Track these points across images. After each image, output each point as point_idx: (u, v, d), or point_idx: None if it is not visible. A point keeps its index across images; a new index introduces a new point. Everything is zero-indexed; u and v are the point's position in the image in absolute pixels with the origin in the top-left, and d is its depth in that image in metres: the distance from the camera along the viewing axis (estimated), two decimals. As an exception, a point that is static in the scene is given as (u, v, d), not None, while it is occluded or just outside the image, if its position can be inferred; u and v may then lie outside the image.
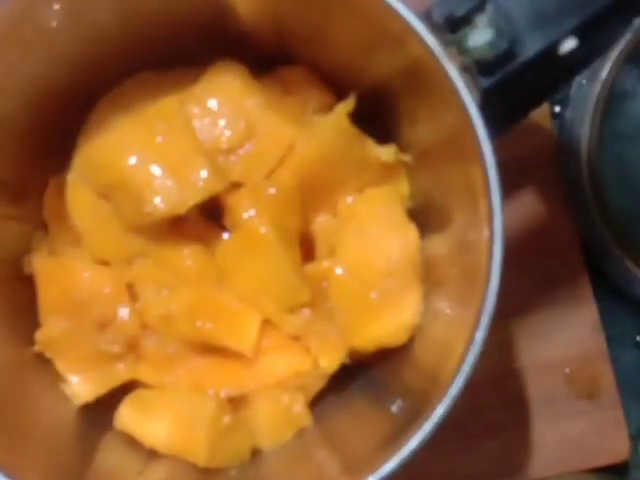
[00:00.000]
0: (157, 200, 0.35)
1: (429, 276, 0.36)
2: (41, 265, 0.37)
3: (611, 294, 0.46)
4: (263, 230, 0.35)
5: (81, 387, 0.37)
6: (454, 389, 0.29)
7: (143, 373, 0.37)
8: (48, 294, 0.37)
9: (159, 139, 0.35)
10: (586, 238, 0.45)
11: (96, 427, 0.37)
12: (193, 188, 0.35)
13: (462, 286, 0.33)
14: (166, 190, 0.35)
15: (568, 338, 0.44)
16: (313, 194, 0.37)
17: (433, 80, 0.30)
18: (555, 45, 0.30)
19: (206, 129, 0.36)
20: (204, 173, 0.35)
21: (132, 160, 0.35)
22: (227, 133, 0.36)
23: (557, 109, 0.46)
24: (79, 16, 0.33)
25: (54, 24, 0.32)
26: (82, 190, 0.37)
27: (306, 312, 0.37)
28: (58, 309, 0.37)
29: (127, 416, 0.36)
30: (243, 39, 0.37)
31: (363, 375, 0.38)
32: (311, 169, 0.37)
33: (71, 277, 0.37)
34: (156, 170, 0.35)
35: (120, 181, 0.35)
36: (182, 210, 0.35)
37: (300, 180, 0.37)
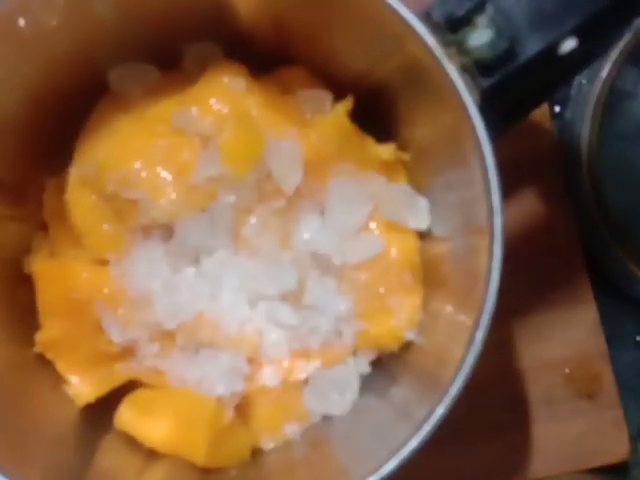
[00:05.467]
0: (162, 202, 0.35)
1: (429, 277, 0.36)
2: (40, 266, 0.37)
3: (611, 294, 0.46)
4: None
5: (82, 388, 0.37)
6: (454, 389, 0.29)
7: (143, 373, 0.37)
8: (47, 295, 0.37)
9: (161, 142, 0.36)
10: (586, 238, 0.45)
11: (96, 427, 0.37)
12: (198, 191, 0.35)
13: (462, 286, 0.33)
14: (171, 192, 0.35)
15: (568, 338, 0.44)
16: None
17: (433, 80, 0.30)
18: (555, 45, 0.30)
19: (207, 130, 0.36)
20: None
21: (135, 163, 0.35)
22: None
23: (557, 109, 0.46)
24: (79, 16, 0.33)
25: (54, 24, 0.32)
26: (82, 190, 0.37)
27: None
28: (57, 310, 0.37)
29: (127, 416, 0.36)
30: (243, 39, 0.37)
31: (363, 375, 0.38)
32: (311, 167, 0.37)
33: (70, 278, 0.37)
34: (159, 172, 0.35)
35: (122, 183, 0.35)
36: (187, 213, 0.35)
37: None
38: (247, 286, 0.36)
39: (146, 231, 0.36)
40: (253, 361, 0.37)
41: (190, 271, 0.36)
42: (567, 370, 0.44)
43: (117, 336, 0.36)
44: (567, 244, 0.45)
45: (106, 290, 0.36)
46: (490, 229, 0.29)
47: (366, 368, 0.37)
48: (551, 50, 0.30)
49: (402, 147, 0.37)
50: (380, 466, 0.29)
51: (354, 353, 0.37)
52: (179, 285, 0.36)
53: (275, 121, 0.36)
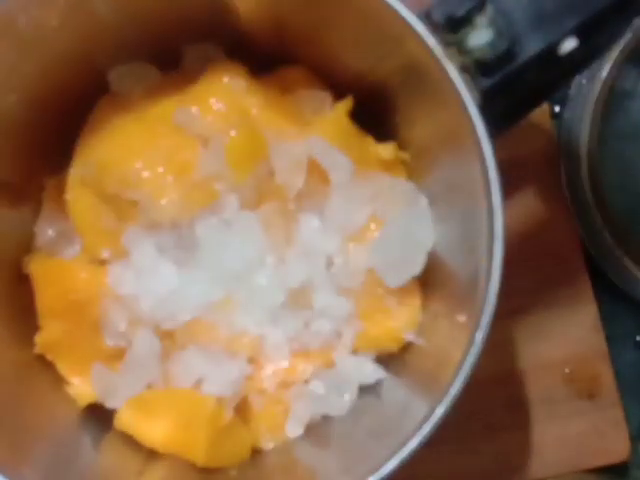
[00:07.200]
0: (162, 203, 0.35)
1: (429, 277, 0.36)
2: (37, 267, 0.37)
3: (611, 294, 0.46)
4: None
5: (83, 388, 0.37)
6: (454, 389, 0.29)
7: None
8: (46, 296, 0.37)
9: (161, 142, 0.36)
10: (586, 238, 0.45)
11: (96, 427, 0.37)
12: (199, 191, 0.35)
13: (462, 287, 0.33)
14: (172, 193, 0.35)
15: (568, 338, 0.44)
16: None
17: (433, 80, 0.30)
18: (555, 45, 0.30)
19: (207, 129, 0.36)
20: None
21: (135, 163, 0.35)
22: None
23: (557, 109, 0.46)
24: (79, 16, 0.33)
25: (54, 24, 0.32)
26: (82, 190, 0.37)
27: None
28: (56, 311, 0.37)
29: (127, 416, 0.36)
30: (243, 39, 0.37)
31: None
32: (311, 167, 0.37)
33: (68, 278, 0.37)
34: (160, 172, 0.35)
35: (122, 183, 0.35)
36: (188, 213, 0.35)
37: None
38: (247, 286, 0.36)
39: (146, 231, 0.37)
40: (253, 361, 0.37)
41: (190, 271, 0.36)
42: (567, 370, 0.44)
43: (110, 339, 0.36)
44: (567, 244, 0.45)
45: (104, 289, 0.36)
46: (490, 229, 0.29)
47: (366, 369, 0.37)
48: (551, 50, 0.30)
49: (402, 147, 0.37)
50: (380, 466, 0.29)
51: (354, 353, 0.37)
52: (178, 285, 0.36)
53: (275, 121, 0.36)
